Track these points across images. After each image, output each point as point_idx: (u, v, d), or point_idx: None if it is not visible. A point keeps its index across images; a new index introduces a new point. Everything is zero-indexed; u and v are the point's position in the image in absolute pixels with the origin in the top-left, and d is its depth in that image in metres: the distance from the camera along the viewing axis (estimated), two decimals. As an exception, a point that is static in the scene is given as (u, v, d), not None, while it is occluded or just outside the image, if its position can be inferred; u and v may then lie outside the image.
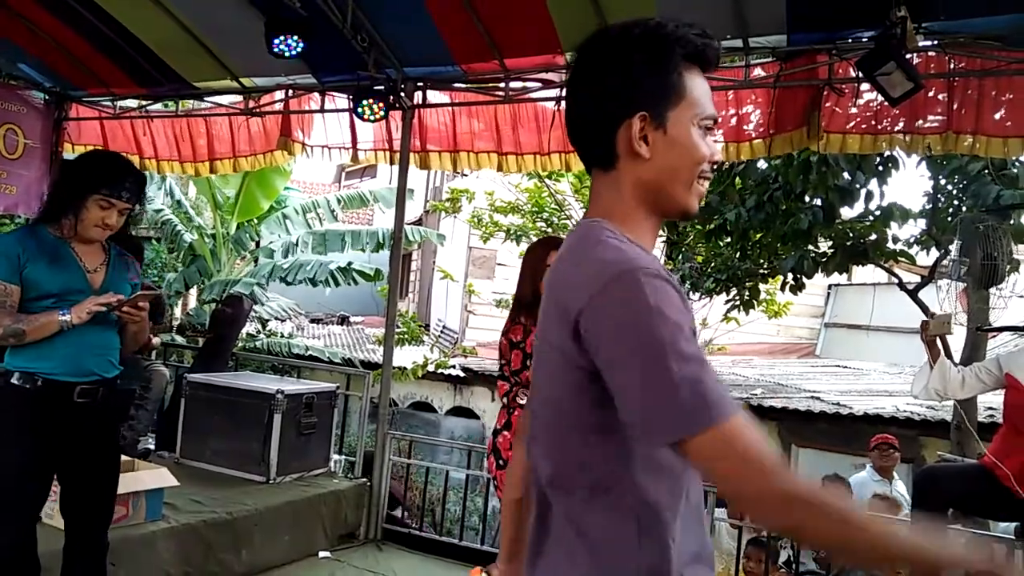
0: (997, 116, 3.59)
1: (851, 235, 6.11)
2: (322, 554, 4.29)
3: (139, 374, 4.62)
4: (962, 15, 3.41)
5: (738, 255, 6.84)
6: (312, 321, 15.95)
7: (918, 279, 6.68)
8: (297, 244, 10.60)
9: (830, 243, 6.21)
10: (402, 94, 4.60)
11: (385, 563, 4.28)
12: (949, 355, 3.71)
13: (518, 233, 9.82)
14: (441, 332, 13.92)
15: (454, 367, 10.63)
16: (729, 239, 6.59)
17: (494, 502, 7.14)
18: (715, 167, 1.20)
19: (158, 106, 5.73)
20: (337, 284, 10.29)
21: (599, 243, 1.08)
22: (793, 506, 0.95)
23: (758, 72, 4.04)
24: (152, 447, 4.91)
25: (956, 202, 5.93)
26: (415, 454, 5.71)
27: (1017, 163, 5.27)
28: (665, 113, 1.12)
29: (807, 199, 5.77)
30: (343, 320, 17.00)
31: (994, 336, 7.07)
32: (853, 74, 3.68)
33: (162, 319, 4.84)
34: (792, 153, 4.70)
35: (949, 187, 5.95)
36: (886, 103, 3.48)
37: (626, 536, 1.06)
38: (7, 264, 2.36)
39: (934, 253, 6.25)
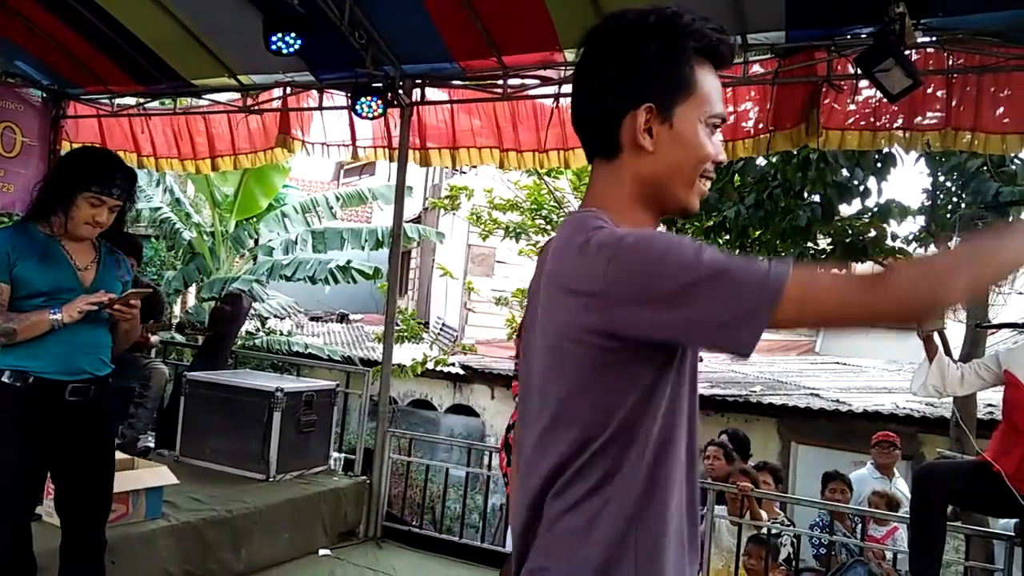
0: (996, 113, 3.59)
1: (850, 232, 6.11)
2: (322, 552, 4.29)
3: (138, 372, 4.61)
4: (960, 11, 3.41)
5: (737, 252, 6.83)
6: (311, 319, 15.96)
7: (917, 276, 6.67)
8: (296, 242, 10.60)
9: (829, 240, 6.22)
10: (400, 91, 4.59)
11: (385, 561, 4.29)
12: (948, 352, 3.71)
13: (517, 230, 9.82)
14: (440, 330, 13.92)
15: (453, 365, 10.64)
16: (728, 236, 6.58)
17: (494, 500, 7.15)
18: (718, 166, 1.16)
19: (156, 104, 5.72)
20: (336, 282, 10.30)
21: (596, 229, 1.04)
22: (915, 291, 0.95)
23: (756, 69, 4.03)
24: (152, 445, 4.91)
25: (955, 199, 5.93)
26: (415, 452, 5.71)
27: (1016, 160, 5.27)
28: (673, 107, 1.09)
29: (806, 196, 5.77)
30: (342, 318, 17.01)
31: (993, 332, 7.08)
32: (852, 71, 3.68)
33: (161, 317, 4.83)
34: (791, 150, 4.70)
35: (948, 184, 5.96)
36: (885, 100, 3.47)
37: (618, 540, 1.04)
38: None
39: (933, 250, 6.25)
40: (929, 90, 3.65)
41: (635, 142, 1.10)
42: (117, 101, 5.70)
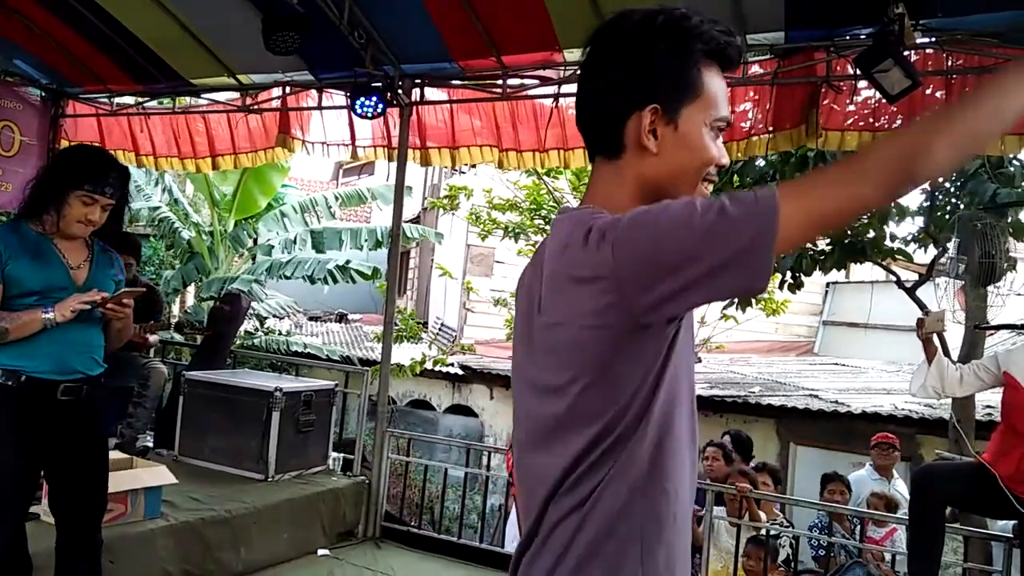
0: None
1: (849, 233, 6.11)
2: (321, 552, 4.29)
3: (137, 372, 4.61)
4: (960, 12, 3.41)
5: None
6: (310, 319, 15.96)
7: (916, 277, 6.68)
8: (295, 241, 10.60)
9: (828, 241, 6.21)
10: (400, 91, 4.59)
11: (383, 561, 4.28)
12: (947, 353, 3.71)
13: (516, 231, 9.81)
14: (439, 330, 13.92)
15: (452, 365, 10.63)
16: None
17: (493, 500, 7.15)
18: (720, 170, 1.16)
19: (155, 103, 5.72)
20: (335, 282, 10.30)
21: (595, 218, 1.03)
22: (891, 167, 0.94)
23: (756, 69, 4.03)
24: (150, 445, 4.90)
25: (954, 200, 5.93)
26: (413, 452, 5.71)
27: (1014, 161, 5.28)
28: (679, 109, 1.08)
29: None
30: (341, 318, 17.01)
31: (992, 334, 7.08)
32: (851, 71, 3.68)
33: (160, 317, 4.83)
34: (790, 150, 4.69)
35: (947, 185, 5.95)
36: (884, 100, 3.47)
37: (627, 544, 1.04)
38: None
39: (932, 251, 6.25)
40: (928, 91, 3.65)
41: (639, 143, 1.09)
42: (116, 100, 5.70)
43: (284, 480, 4.43)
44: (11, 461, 2.37)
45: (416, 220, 15.15)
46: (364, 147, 5.16)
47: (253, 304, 9.76)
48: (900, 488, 5.32)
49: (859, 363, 11.58)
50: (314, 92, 5.06)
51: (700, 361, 9.81)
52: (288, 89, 5.06)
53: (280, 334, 11.27)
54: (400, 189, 4.86)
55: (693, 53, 1.08)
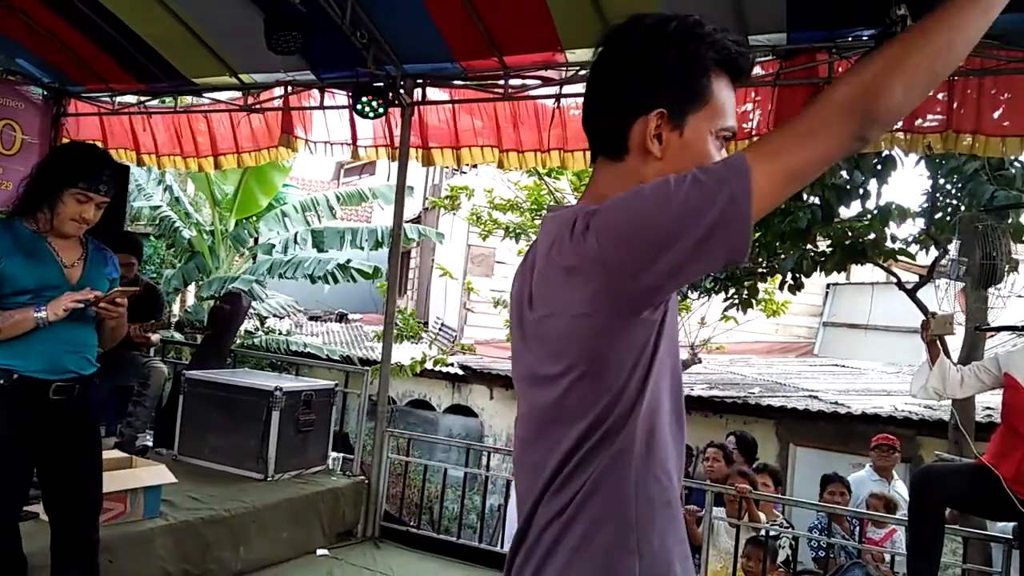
0: (996, 115, 3.59)
1: (850, 234, 6.11)
2: (320, 552, 4.28)
3: (137, 371, 4.61)
4: (962, 14, 3.40)
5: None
6: (310, 318, 15.96)
7: (917, 278, 6.68)
8: (296, 241, 10.60)
9: (829, 242, 6.21)
10: (401, 91, 4.59)
11: (383, 561, 4.28)
12: (948, 354, 3.71)
13: (517, 231, 9.80)
14: (440, 330, 13.92)
15: (452, 365, 10.63)
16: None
17: (492, 500, 7.15)
18: None
19: (156, 102, 5.72)
20: (336, 281, 10.30)
21: (579, 214, 1.04)
22: (852, 113, 0.93)
23: (758, 71, 4.03)
24: (150, 444, 4.90)
25: (955, 201, 5.92)
26: (413, 452, 5.71)
27: (1015, 163, 5.27)
28: (685, 115, 1.09)
29: (805, 198, 5.76)
30: (341, 317, 17.01)
31: (992, 336, 7.08)
32: (852, 72, 3.67)
33: (160, 316, 4.83)
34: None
35: (948, 186, 5.95)
36: (886, 102, 3.47)
37: (623, 534, 1.05)
38: None
39: (933, 252, 6.25)
40: (930, 92, 3.65)
41: (643, 146, 1.10)
42: (118, 99, 5.70)
43: (284, 480, 4.43)
44: (4, 460, 2.36)
45: (417, 220, 15.15)
46: (366, 147, 5.16)
47: (253, 303, 9.76)
48: (900, 489, 5.32)
49: (859, 364, 11.58)
50: (316, 92, 5.06)
51: (700, 362, 9.81)
52: (290, 89, 5.07)
53: (280, 334, 11.27)
54: (401, 189, 4.86)
55: (704, 61, 1.08)
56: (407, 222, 11.06)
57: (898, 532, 4.74)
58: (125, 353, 4.49)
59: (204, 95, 5.42)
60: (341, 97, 4.97)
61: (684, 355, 8.73)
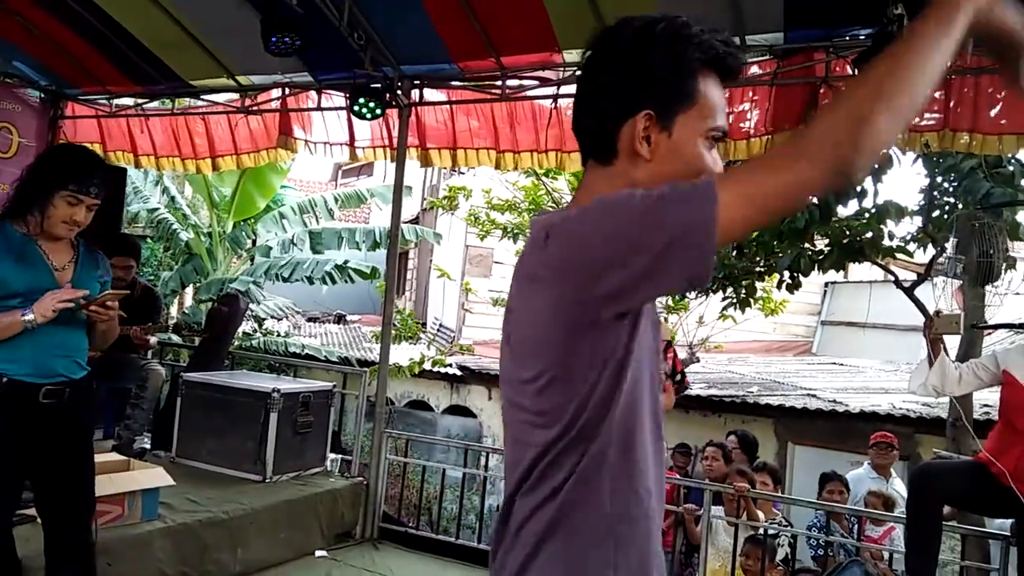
0: (992, 114, 3.59)
1: (847, 233, 6.11)
2: (318, 553, 4.28)
3: (135, 373, 4.60)
4: (958, 12, 3.41)
5: (734, 253, 6.84)
6: (309, 320, 15.95)
7: (914, 276, 6.69)
8: (294, 242, 10.59)
9: (826, 241, 6.21)
10: (399, 92, 4.59)
11: (382, 562, 4.28)
12: (946, 352, 3.71)
13: (515, 231, 9.80)
14: (438, 330, 13.92)
15: (451, 366, 10.63)
16: (725, 237, 6.57)
17: (491, 501, 7.14)
18: None
19: (154, 104, 5.71)
20: (334, 282, 10.29)
21: (550, 221, 1.05)
22: (833, 146, 0.90)
23: (755, 70, 4.03)
24: (148, 446, 4.90)
25: (952, 199, 5.93)
26: (412, 453, 5.71)
27: (1013, 161, 5.28)
28: (673, 116, 1.08)
29: (803, 197, 5.76)
30: (340, 319, 17.00)
31: (990, 333, 7.09)
32: (850, 72, 3.68)
33: (158, 318, 4.82)
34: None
35: (945, 184, 5.96)
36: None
37: (599, 544, 1.05)
38: None
39: (930, 250, 6.26)
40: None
41: (632, 148, 1.09)
42: (115, 102, 5.70)
43: (282, 481, 4.42)
44: (4, 463, 2.35)
45: (415, 220, 15.14)
46: (364, 148, 5.16)
47: (251, 305, 9.75)
48: (898, 487, 5.33)
49: (857, 362, 11.59)
50: (313, 93, 5.06)
51: (698, 361, 9.82)
52: (287, 90, 5.06)
53: (278, 335, 11.26)
54: (399, 190, 4.86)
55: (691, 61, 1.08)
56: (405, 223, 11.06)
57: (896, 530, 4.74)
58: (123, 356, 4.48)
59: (201, 97, 5.42)
60: (338, 98, 4.97)
61: (683, 354, 8.74)
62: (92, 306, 2.40)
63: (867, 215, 5.96)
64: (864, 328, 12.72)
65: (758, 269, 7.03)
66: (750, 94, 4.10)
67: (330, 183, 22.39)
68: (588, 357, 1.02)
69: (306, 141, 5.21)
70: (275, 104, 5.17)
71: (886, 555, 4.59)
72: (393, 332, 5.67)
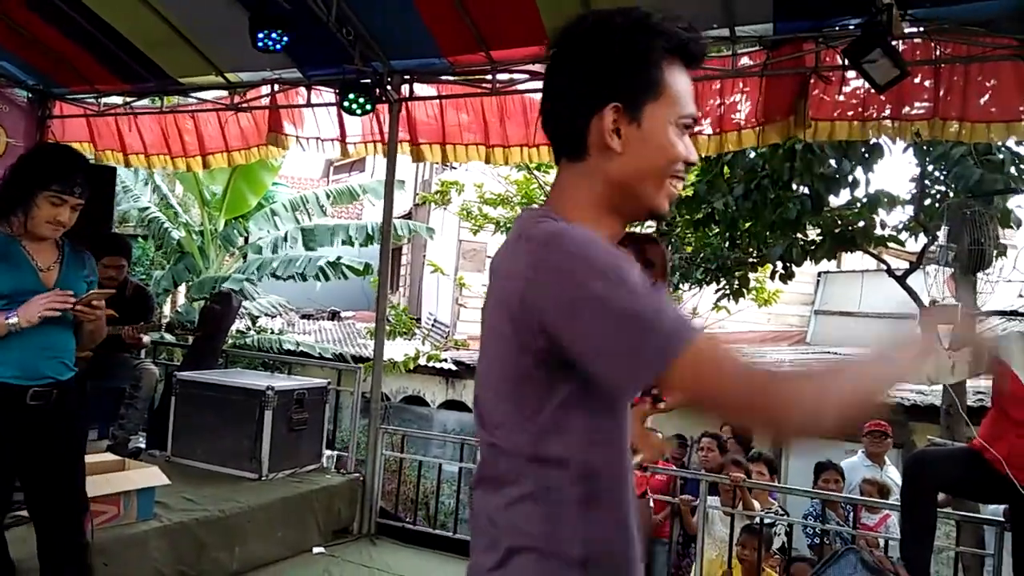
0: (982, 102, 3.61)
1: (839, 222, 6.13)
2: (316, 550, 4.28)
3: (129, 373, 4.59)
4: (947, 1, 3.42)
5: (727, 244, 6.85)
6: (302, 317, 15.91)
7: (907, 265, 6.71)
8: (286, 239, 10.55)
9: (818, 231, 6.23)
10: (388, 87, 4.57)
11: (379, 558, 4.29)
12: (939, 340, 3.72)
13: (508, 225, 9.81)
14: (432, 325, 13.91)
15: (446, 360, 10.63)
16: (718, 228, 6.59)
17: (488, 494, 7.15)
18: (689, 168, 1.15)
19: (143, 103, 5.68)
20: (327, 279, 10.27)
21: (535, 227, 1.05)
22: (785, 407, 0.96)
23: (745, 61, 4.04)
24: (143, 446, 4.88)
25: (943, 188, 5.95)
26: (408, 448, 5.71)
27: (1002, 149, 5.30)
28: (641, 107, 1.07)
29: (795, 188, 5.78)
30: (333, 315, 16.98)
31: (981, 321, 7.11)
32: (840, 62, 3.69)
33: (151, 317, 4.80)
34: (779, 142, 4.71)
35: (936, 173, 5.98)
36: (873, 90, 3.49)
37: (568, 529, 1.06)
38: None
39: (922, 239, 6.28)
40: (916, 80, 3.67)
41: (603, 143, 1.09)
42: (103, 100, 5.66)
43: (278, 479, 4.42)
44: None
45: (408, 216, 15.12)
46: (355, 143, 5.15)
47: (244, 303, 9.72)
48: (892, 474, 5.35)
49: (851, 352, 11.61)
50: (303, 89, 5.04)
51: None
52: (277, 87, 5.04)
53: (272, 332, 11.24)
54: (390, 185, 4.84)
55: (654, 50, 1.07)
56: (398, 218, 11.01)
57: (892, 517, 4.77)
58: (116, 355, 4.47)
59: (190, 95, 5.39)
60: (328, 94, 4.96)
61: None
62: (78, 305, 2.39)
63: (859, 204, 5.98)
64: (857, 317, 12.76)
65: (751, 260, 7.06)
66: (741, 85, 4.10)
67: (322, 179, 22.32)
68: (539, 378, 1.05)
69: (297, 137, 5.20)
70: (265, 101, 5.15)
71: (882, 542, 4.62)
72: (387, 328, 5.67)
